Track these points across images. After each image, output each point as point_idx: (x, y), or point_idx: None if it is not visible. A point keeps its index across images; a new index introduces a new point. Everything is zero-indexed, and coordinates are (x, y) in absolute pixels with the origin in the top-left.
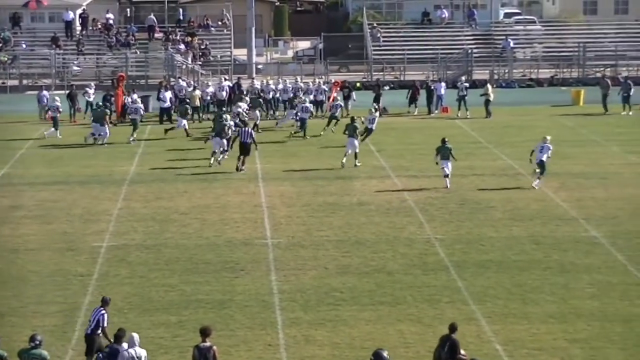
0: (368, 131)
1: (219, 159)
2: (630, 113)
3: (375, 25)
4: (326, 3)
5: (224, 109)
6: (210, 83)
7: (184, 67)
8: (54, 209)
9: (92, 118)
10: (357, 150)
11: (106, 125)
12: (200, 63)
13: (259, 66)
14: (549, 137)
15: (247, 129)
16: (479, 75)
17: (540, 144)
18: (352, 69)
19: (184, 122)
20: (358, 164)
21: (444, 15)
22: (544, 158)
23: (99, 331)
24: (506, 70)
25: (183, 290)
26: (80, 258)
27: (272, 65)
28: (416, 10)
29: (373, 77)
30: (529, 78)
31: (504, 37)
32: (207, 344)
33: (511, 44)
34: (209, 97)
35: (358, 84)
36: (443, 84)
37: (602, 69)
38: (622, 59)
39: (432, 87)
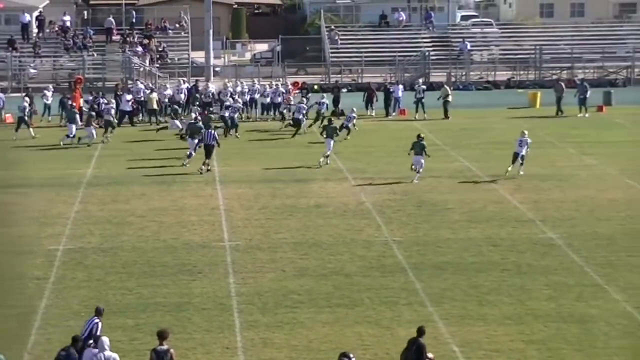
0: (347, 130)
1: (185, 162)
2: (587, 115)
3: (332, 27)
4: (284, 6)
5: (180, 111)
6: (168, 85)
7: (141, 69)
8: (10, 212)
9: (66, 119)
10: (329, 152)
11: (92, 126)
12: (157, 66)
13: (217, 69)
14: (526, 132)
15: (211, 131)
16: (436, 77)
17: (519, 139)
18: (309, 72)
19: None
20: (328, 163)
21: (401, 18)
22: (524, 152)
23: (91, 341)
24: (463, 73)
25: (140, 294)
26: (37, 261)
27: (229, 67)
28: (374, 13)
29: (331, 79)
30: (486, 80)
31: (461, 39)
32: (165, 347)
33: (468, 47)
34: (166, 100)
35: (316, 87)
36: (401, 87)
37: (558, 71)
38: (579, 61)
39: (390, 90)
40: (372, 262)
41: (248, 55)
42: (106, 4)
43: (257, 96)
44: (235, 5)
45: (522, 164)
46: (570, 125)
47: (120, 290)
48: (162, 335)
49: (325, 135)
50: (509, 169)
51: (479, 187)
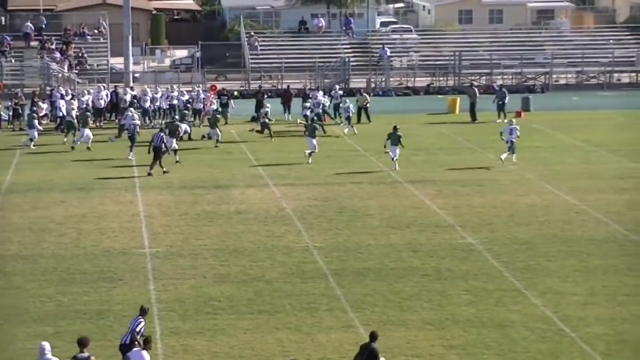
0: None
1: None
2: (505, 121)
3: (252, 34)
4: (203, 12)
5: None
6: (86, 92)
7: (60, 75)
8: None
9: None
10: (316, 151)
11: (87, 128)
12: (76, 72)
13: (136, 75)
14: (514, 120)
15: (160, 133)
16: (356, 83)
17: (508, 127)
18: (229, 78)
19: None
20: (310, 162)
21: (320, 24)
22: (514, 139)
23: (139, 337)
24: (383, 79)
25: (60, 301)
26: None
27: (149, 73)
28: (293, 19)
29: (251, 85)
30: (406, 86)
31: (380, 45)
32: (85, 354)
33: (388, 53)
34: (84, 106)
35: (236, 93)
36: (320, 92)
37: (477, 77)
38: (497, 67)
39: (310, 95)
40: (293, 269)
41: (167, 62)
42: (24, 9)
43: (175, 102)
44: (155, 11)
45: (514, 152)
46: (489, 130)
47: (39, 297)
48: (82, 343)
49: (307, 135)
50: (503, 157)
51: (399, 193)
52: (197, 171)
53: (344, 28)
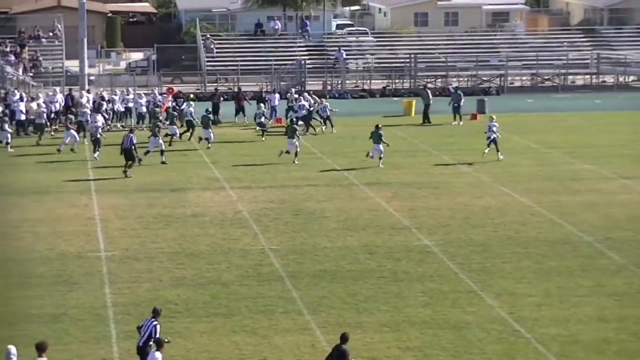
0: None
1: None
2: (461, 123)
3: (208, 36)
4: (159, 14)
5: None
6: (41, 95)
7: (14, 78)
8: None
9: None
10: (299, 150)
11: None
12: (31, 75)
13: (92, 77)
14: (494, 117)
15: (130, 135)
16: (312, 86)
17: (489, 124)
18: (185, 80)
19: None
20: (297, 162)
21: (277, 27)
22: (494, 136)
23: (151, 342)
24: (339, 81)
25: (15, 305)
26: None
27: (104, 76)
28: (249, 22)
29: (207, 88)
30: (362, 89)
31: (336, 48)
32: (43, 359)
33: (344, 55)
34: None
35: (192, 95)
36: (277, 95)
37: (432, 79)
38: (453, 70)
39: (267, 98)
40: (249, 271)
41: (123, 64)
42: None
43: (131, 105)
44: (110, 14)
45: (498, 149)
46: (445, 133)
47: None
48: (40, 348)
49: (288, 136)
50: (486, 151)
51: (355, 195)
52: (153, 174)
53: (300, 31)
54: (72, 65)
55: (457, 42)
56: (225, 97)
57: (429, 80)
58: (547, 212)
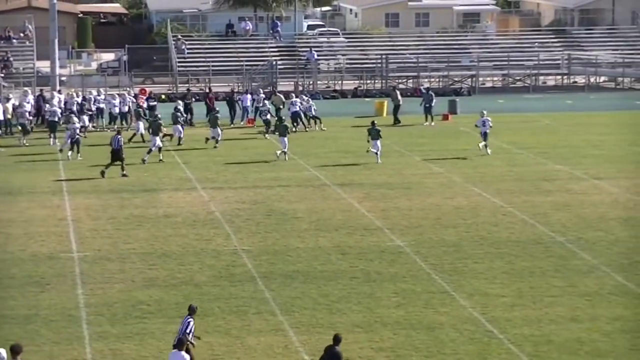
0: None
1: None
2: (433, 124)
3: (179, 37)
4: (130, 15)
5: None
6: (11, 96)
7: None
8: None
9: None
10: (286, 150)
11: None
12: (2, 75)
13: (63, 78)
14: (485, 112)
15: (117, 136)
16: (284, 86)
17: (481, 120)
18: (157, 81)
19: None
20: (287, 159)
21: (248, 27)
22: (488, 130)
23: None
24: (311, 82)
25: None
26: None
27: (76, 77)
28: (220, 22)
29: (178, 89)
30: (333, 89)
31: (308, 49)
32: None
33: (315, 56)
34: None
35: (163, 96)
36: (249, 96)
37: (404, 80)
38: (424, 70)
39: (238, 99)
40: (222, 272)
41: (94, 65)
42: None
43: (103, 105)
44: (81, 15)
45: (486, 145)
46: (416, 133)
47: None
48: (15, 350)
49: (278, 134)
50: (480, 145)
51: (327, 196)
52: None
53: (271, 31)
54: (43, 66)
55: (428, 42)
56: (197, 97)
57: (400, 80)
58: (519, 213)
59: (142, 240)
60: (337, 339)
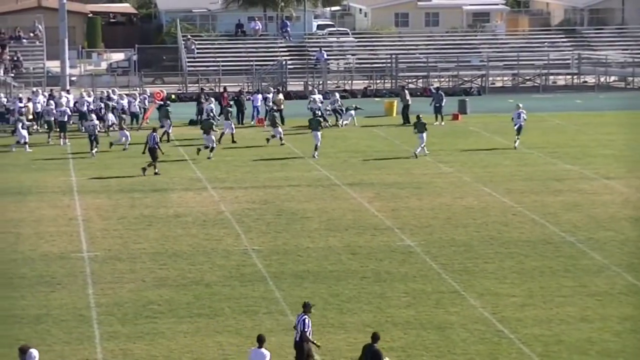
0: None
1: (210, 155)
2: (443, 123)
3: (189, 37)
4: (140, 15)
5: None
6: (21, 95)
7: None
8: None
9: None
10: (319, 144)
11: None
12: (12, 75)
13: (73, 78)
14: (521, 104)
15: (153, 134)
16: (293, 86)
17: (516, 112)
18: (166, 81)
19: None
20: (316, 156)
21: (257, 27)
22: (522, 123)
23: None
24: (320, 82)
25: None
26: None
27: (85, 77)
28: (230, 22)
29: (188, 88)
30: (343, 89)
31: (317, 48)
32: None
33: (325, 56)
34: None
35: (173, 96)
36: (260, 96)
37: (414, 80)
38: (434, 70)
39: (248, 98)
40: (232, 272)
41: (104, 65)
42: None
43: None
44: (91, 15)
45: (518, 138)
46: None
47: None
48: (23, 350)
49: (312, 129)
50: (516, 144)
51: (337, 196)
52: (135, 175)
53: (280, 31)
54: (53, 65)
55: (437, 42)
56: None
57: (410, 80)
58: (529, 213)
59: (152, 240)
60: (375, 337)
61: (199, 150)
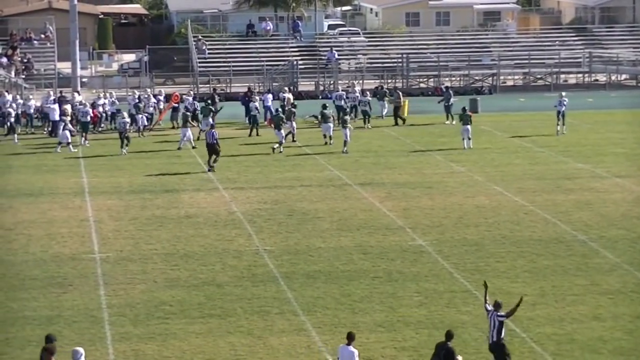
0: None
1: (279, 150)
2: (453, 123)
3: (200, 37)
4: (150, 16)
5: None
6: (32, 97)
7: (6, 81)
8: None
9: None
10: (349, 140)
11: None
12: (23, 77)
13: (84, 79)
14: (564, 93)
15: (212, 131)
16: (304, 87)
17: (558, 100)
18: (177, 82)
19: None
20: (346, 151)
21: (268, 28)
22: (561, 109)
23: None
24: (331, 82)
25: (9, 307)
26: None
27: (97, 78)
28: (241, 23)
29: (199, 89)
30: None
31: (328, 48)
32: None
33: (336, 56)
34: (32, 111)
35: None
36: (270, 96)
37: (424, 79)
38: (445, 69)
39: (260, 98)
40: (244, 272)
41: (115, 66)
42: None
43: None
44: (101, 16)
45: (564, 123)
46: (437, 132)
47: None
48: (49, 350)
49: (341, 126)
50: (558, 128)
51: (349, 196)
52: (146, 175)
53: (291, 31)
54: (64, 67)
55: (448, 41)
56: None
57: (421, 80)
58: (540, 211)
59: (164, 240)
60: (449, 335)
61: (273, 149)
